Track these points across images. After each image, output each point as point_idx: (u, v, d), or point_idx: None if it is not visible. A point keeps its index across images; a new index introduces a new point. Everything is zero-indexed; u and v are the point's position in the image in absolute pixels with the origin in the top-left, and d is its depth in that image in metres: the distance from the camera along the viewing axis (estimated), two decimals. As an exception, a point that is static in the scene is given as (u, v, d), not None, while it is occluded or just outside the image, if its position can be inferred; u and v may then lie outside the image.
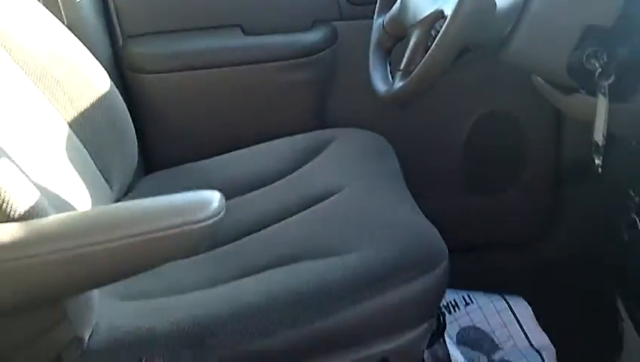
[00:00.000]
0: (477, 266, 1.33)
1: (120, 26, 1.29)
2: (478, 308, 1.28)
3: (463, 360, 1.12)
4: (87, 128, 1.06)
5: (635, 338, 1.02)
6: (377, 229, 0.97)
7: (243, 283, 0.92)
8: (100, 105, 1.08)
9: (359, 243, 0.93)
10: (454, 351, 1.13)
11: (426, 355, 1.00)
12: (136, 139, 1.15)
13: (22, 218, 0.68)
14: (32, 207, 0.69)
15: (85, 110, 1.06)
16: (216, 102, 1.33)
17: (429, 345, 1.00)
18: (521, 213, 1.40)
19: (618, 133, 0.91)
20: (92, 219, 0.71)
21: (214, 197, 0.70)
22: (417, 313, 0.92)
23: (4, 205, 0.67)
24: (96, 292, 0.81)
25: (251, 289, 0.89)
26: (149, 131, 1.32)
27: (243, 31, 1.30)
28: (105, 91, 1.09)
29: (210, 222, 0.67)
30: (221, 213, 0.69)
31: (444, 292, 0.95)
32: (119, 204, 0.75)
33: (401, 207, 1.03)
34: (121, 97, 1.13)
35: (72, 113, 1.05)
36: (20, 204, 0.68)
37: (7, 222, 0.67)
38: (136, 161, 1.16)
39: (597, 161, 0.86)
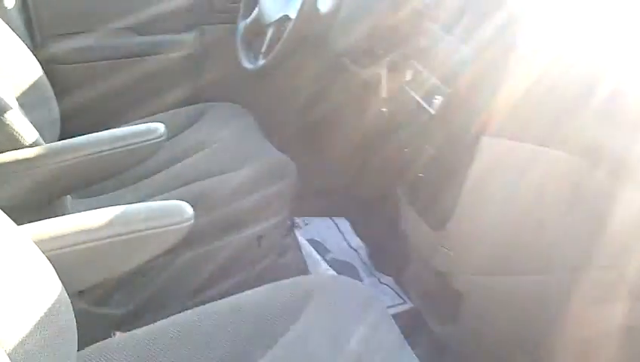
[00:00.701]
0: (315, 196, 1.87)
1: (38, 28, 1.66)
2: (314, 226, 1.82)
3: (308, 245, 1.65)
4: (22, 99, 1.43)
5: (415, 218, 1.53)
6: (248, 159, 1.47)
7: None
8: (34, 83, 1.46)
9: (240, 166, 1.43)
10: (302, 241, 1.66)
11: (286, 240, 1.51)
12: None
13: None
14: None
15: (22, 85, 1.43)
16: (114, 85, 1.75)
17: (287, 233, 1.52)
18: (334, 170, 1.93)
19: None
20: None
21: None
22: (277, 206, 1.44)
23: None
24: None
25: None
26: (64, 103, 1.69)
27: (135, 32, 1.75)
28: (36, 72, 1.46)
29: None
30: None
31: (291, 195, 1.47)
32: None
33: (263, 145, 1.54)
34: (47, 80, 1.51)
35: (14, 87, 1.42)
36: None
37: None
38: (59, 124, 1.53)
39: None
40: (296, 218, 1.80)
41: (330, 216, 1.87)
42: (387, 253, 1.73)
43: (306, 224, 1.82)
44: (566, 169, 1.05)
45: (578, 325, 1.32)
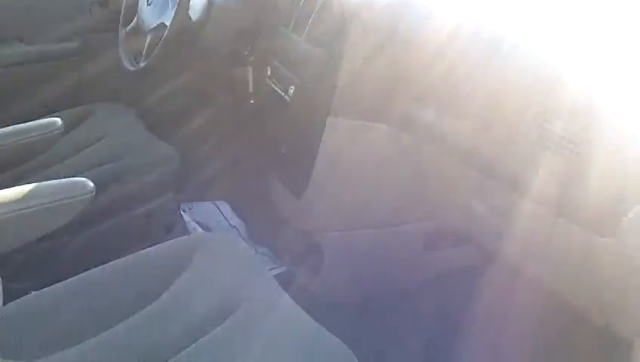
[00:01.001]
0: (197, 183, 2.09)
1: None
2: (197, 209, 2.05)
3: (193, 223, 1.89)
4: None
5: (282, 189, 1.81)
6: (135, 149, 1.67)
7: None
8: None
9: (128, 156, 1.64)
10: (187, 219, 1.89)
11: (173, 219, 1.74)
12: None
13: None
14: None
15: None
16: (6, 88, 1.89)
17: (174, 213, 1.74)
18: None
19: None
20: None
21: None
22: (163, 189, 1.66)
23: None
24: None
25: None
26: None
27: (23, 41, 1.90)
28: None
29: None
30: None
31: (175, 179, 1.69)
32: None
33: (148, 138, 1.75)
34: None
35: None
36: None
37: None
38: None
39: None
40: (181, 203, 2.02)
41: (212, 200, 2.11)
42: (262, 224, 1.98)
43: (190, 208, 2.04)
44: (387, 138, 1.35)
45: (420, 268, 1.64)
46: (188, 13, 1.56)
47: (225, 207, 2.10)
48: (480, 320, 1.46)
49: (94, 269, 1.17)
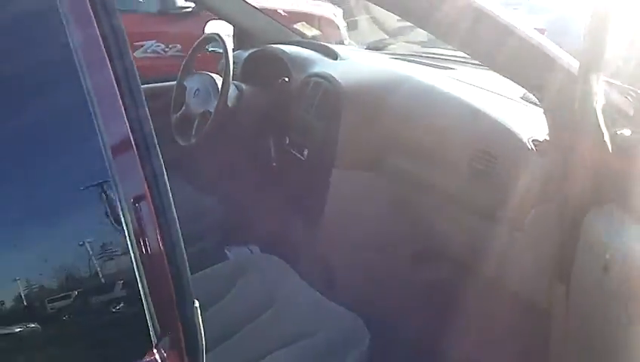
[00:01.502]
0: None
1: None
2: (235, 251, 2.59)
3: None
4: None
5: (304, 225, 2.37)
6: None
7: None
8: None
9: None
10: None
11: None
12: None
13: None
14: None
15: None
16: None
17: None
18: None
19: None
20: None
21: None
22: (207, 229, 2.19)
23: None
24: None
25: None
26: None
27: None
28: None
29: None
30: None
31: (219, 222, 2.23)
32: None
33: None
34: None
35: None
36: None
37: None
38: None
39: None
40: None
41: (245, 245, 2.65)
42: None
43: (229, 251, 2.58)
44: (379, 183, 1.89)
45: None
46: (227, 103, 2.13)
47: (255, 249, 2.63)
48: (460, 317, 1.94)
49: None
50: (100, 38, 0.90)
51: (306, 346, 1.50)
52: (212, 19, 2.79)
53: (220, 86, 2.13)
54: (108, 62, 0.91)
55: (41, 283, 0.86)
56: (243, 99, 2.18)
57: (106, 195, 0.90)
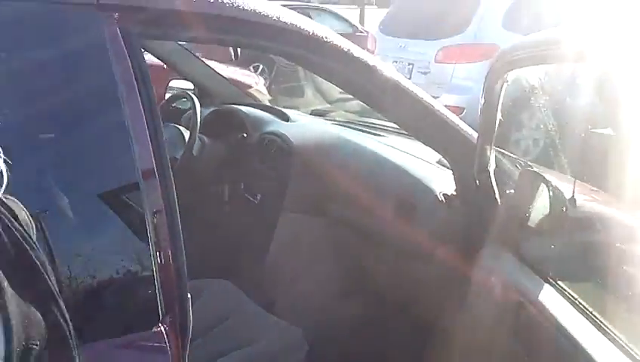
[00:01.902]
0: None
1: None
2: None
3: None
4: None
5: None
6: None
7: None
8: None
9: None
10: None
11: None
12: None
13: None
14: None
15: None
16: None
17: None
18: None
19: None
20: None
21: None
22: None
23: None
24: None
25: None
26: None
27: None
28: None
29: None
30: None
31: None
32: None
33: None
34: None
35: None
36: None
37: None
38: None
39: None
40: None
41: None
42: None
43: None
44: (314, 226, 2.26)
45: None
46: (192, 151, 2.48)
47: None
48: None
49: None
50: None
51: (251, 353, 1.82)
52: (174, 78, 3.17)
53: (186, 137, 2.49)
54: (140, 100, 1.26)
55: (83, 269, 1.18)
56: (205, 149, 2.54)
57: (133, 207, 1.25)
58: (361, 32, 11.40)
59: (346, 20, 12.11)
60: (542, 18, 6.12)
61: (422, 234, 1.90)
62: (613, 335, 1.22)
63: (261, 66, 9.00)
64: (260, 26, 1.43)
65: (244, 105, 2.75)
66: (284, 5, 1.77)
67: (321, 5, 15.90)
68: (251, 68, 8.85)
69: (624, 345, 1.18)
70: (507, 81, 1.51)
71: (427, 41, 6.49)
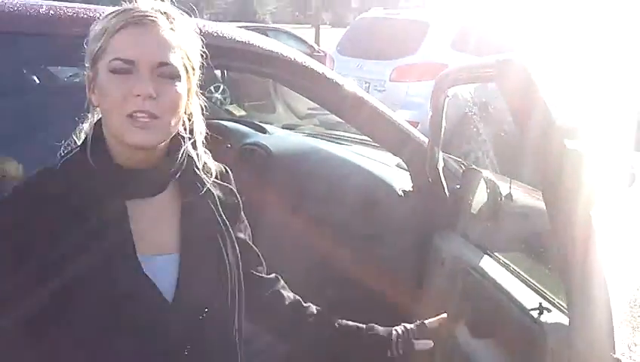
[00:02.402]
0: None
1: None
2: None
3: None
4: None
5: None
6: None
7: None
8: None
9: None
10: None
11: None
12: None
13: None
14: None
15: None
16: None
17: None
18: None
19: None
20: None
21: None
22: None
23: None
24: None
25: None
26: None
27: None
28: None
29: None
30: None
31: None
32: None
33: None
34: None
35: None
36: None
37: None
38: None
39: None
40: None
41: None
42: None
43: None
44: (292, 221, 2.62)
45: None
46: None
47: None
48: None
49: None
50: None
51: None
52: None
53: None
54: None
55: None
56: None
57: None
58: (319, 52, 11.86)
59: (304, 41, 12.57)
60: (487, 40, 6.66)
61: (386, 223, 2.28)
62: (533, 285, 1.61)
63: (222, 86, 9.35)
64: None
65: (226, 120, 3.11)
66: (243, 27, 2.17)
67: (278, 26, 16.36)
68: (212, 88, 9.20)
69: (540, 291, 1.57)
70: (448, 96, 1.90)
71: (382, 61, 6.96)
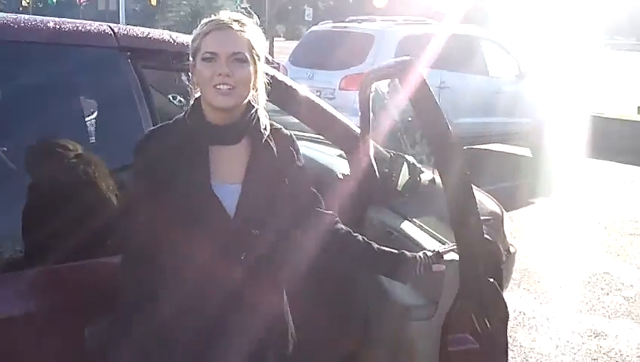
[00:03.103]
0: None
1: None
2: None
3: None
4: None
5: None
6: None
7: None
8: None
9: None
10: None
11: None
12: None
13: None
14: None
15: None
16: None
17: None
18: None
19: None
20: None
21: None
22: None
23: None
24: None
25: None
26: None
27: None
28: None
29: None
30: None
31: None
32: None
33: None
34: None
35: None
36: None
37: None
38: None
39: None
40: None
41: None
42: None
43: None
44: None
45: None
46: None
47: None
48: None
49: None
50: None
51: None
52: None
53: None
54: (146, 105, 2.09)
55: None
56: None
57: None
58: (273, 63, 12.31)
59: (258, 53, 12.96)
60: (425, 50, 7.27)
61: (330, 201, 2.76)
62: (436, 236, 2.13)
63: (178, 97, 9.66)
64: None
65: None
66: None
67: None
68: (169, 97, 9.51)
69: (441, 240, 2.09)
70: (372, 91, 2.41)
71: (332, 71, 7.50)
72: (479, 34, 8.87)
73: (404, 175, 2.59)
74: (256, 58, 1.70)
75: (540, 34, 32.00)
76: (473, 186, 1.83)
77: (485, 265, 1.83)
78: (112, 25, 2.15)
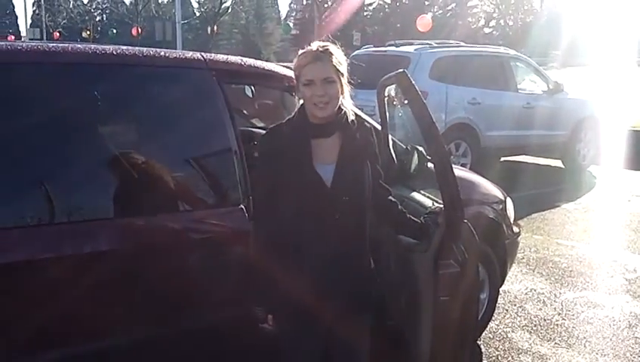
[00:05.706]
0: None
1: None
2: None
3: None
4: None
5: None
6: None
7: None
8: None
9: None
10: None
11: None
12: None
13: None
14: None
15: None
16: None
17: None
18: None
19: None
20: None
21: None
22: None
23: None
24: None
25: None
26: None
27: None
28: None
29: None
30: None
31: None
32: None
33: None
34: None
35: None
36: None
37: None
38: None
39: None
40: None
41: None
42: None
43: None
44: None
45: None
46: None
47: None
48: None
49: None
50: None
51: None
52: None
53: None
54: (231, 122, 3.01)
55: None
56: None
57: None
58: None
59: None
60: (456, 71, 8.09)
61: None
62: (431, 198, 2.95)
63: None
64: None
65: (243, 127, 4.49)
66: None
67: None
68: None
69: (437, 201, 2.90)
70: (387, 96, 3.25)
71: (372, 90, 8.30)
72: (508, 54, 9.60)
73: (415, 161, 3.41)
74: (340, 76, 2.26)
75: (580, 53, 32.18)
76: (479, 175, 2.58)
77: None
78: (202, 53, 3.10)
